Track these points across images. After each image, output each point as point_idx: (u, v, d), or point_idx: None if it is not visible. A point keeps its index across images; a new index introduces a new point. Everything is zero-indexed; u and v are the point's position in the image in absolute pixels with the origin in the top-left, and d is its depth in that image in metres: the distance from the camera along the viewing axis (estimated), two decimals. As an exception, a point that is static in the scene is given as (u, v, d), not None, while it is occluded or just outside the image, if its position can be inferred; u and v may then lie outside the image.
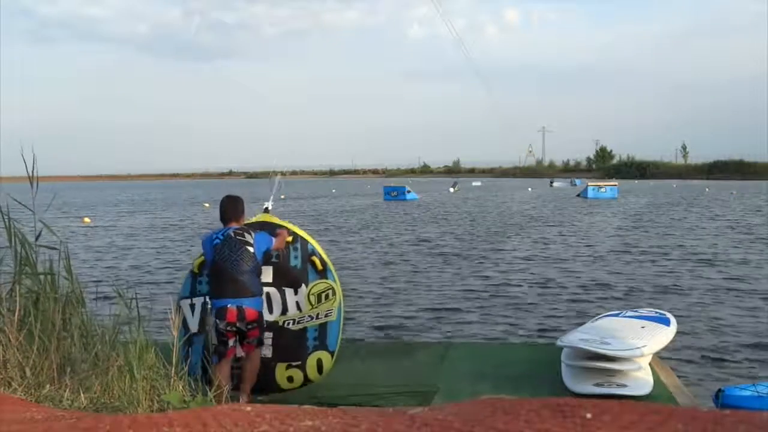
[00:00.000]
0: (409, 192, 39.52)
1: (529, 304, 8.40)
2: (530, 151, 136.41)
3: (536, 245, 14.95)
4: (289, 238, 4.25)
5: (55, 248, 3.44)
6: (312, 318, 4.23)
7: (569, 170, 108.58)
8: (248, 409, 1.35)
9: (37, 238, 3.45)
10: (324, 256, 4.34)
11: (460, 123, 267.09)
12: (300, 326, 4.22)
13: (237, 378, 4.01)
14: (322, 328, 4.24)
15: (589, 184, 42.04)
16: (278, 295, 4.23)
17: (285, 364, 4.21)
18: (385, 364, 5.00)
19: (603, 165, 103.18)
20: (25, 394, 2.78)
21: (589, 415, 1.10)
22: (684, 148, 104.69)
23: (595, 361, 4.19)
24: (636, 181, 74.97)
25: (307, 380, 4.24)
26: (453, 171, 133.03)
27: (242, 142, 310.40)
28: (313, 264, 4.28)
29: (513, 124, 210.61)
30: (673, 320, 5.07)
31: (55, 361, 3.03)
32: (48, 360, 3.01)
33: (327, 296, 4.24)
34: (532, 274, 10.77)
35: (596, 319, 5.39)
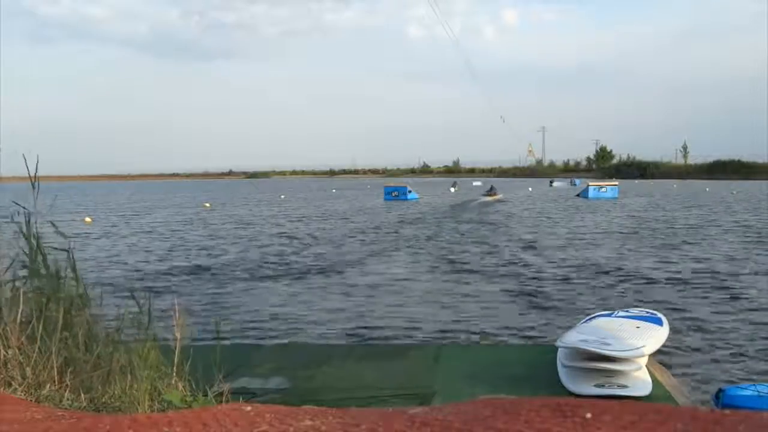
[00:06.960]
0: (410, 192, 39.55)
1: (523, 304, 8.35)
2: (530, 151, 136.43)
3: (534, 245, 14.95)
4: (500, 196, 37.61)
5: (64, 250, 3.44)
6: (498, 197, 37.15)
7: (569, 170, 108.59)
8: (248, 408, 1.35)
9: (38, 242, 3.44)
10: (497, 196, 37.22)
11: (460, 123, 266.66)
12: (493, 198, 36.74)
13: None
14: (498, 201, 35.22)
15: (589, 183, 42.15)
16: (494, 191, 39.49)
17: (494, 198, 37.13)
18: (380, 367, 4.96)
19: (603, 165, 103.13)
20: (25, 394, 2.78)
21: (589, 415, 1.10)
22: (684, 148, 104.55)
23: (595, 362, 4.18)
24: (636, 181, 74.93)
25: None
26: (453, 171, 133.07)
27: (242, 142, 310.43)
28: (496, 193, 38.39)
29: (513, 124, 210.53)
30: (665, 320, 5.07)
31: (56, 361, 3.02)
32: (49, 360, 3.00)
33: (499, 197, 36.96)
34: (528, 273, 10.77)
35: (590, 320, 5.37)
